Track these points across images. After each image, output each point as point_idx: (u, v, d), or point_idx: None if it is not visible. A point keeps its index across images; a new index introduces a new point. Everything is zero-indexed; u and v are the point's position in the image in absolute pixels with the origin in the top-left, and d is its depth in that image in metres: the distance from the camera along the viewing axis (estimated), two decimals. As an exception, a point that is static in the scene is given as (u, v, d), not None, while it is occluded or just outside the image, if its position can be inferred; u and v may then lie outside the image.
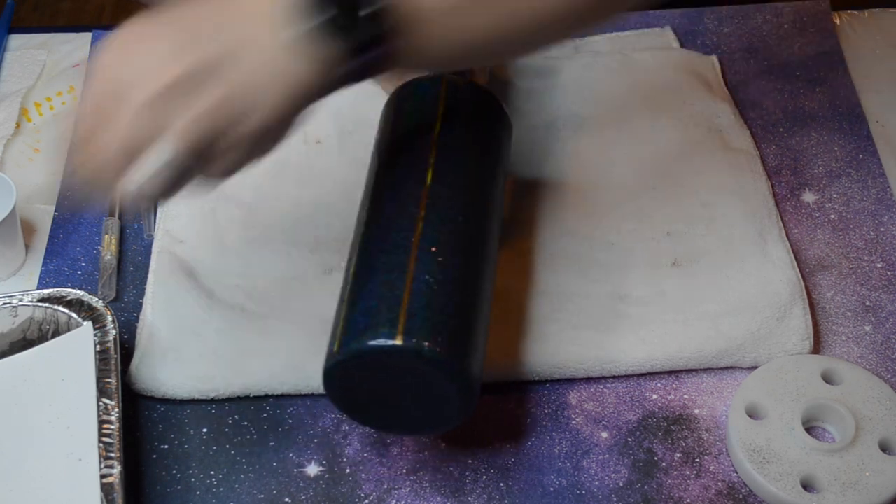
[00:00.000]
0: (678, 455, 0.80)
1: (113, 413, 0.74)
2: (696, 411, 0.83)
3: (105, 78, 0.61)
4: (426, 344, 0.68)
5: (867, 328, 0.88)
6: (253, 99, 0.61)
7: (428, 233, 0.73)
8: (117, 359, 0.77)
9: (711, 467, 0.80)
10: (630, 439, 0.81)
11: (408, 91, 0.85)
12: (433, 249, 0.72)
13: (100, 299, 0.80)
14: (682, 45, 1.09)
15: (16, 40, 1.09)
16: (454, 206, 0.76)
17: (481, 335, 0.73)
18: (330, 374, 0.70)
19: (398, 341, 0.68)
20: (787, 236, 0.92)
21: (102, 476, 0.71)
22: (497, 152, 0.84)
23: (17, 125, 1.01)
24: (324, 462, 0.80)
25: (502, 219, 0.84)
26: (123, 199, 0.63)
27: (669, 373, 0.85)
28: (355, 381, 0.71)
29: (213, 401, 0.82)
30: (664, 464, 0.80)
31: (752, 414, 0.81)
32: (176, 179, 0.62)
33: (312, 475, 0.79)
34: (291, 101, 0.62)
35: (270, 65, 0.61)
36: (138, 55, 0.61)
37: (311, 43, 0.61)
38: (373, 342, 0.68)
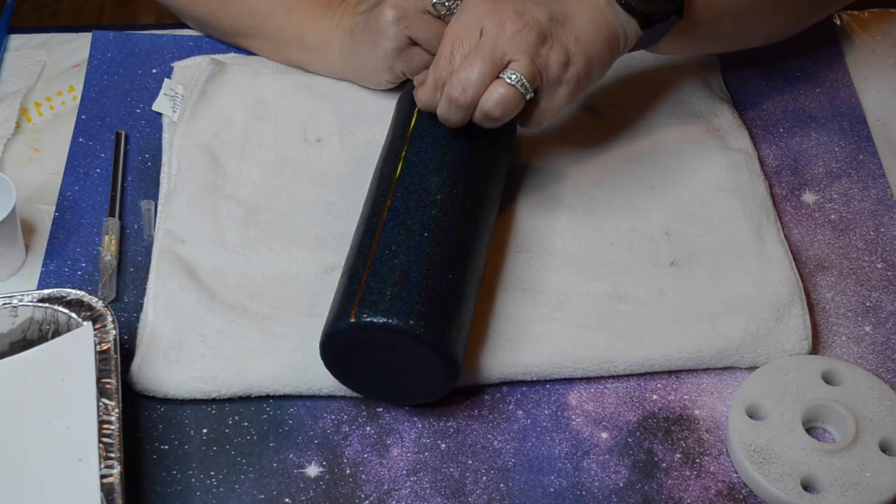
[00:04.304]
0: (678, 455, 0.80)
1: (113, 413, 0.74)
2: (696, 412, 0.83)
3: (474, 18, 0.82)
4: (362, 319, 0.75)
5: (867, 328, 0.88)
6: (583, 47, 0.82)
7: (390, 220, 0.80)
8: (117, 359, 0.77)
9: (711, 468, 0.80)
10: (630, 440, 0.81)
11: (403, 93, 0.91)
12: (396, 236, 0.79)
13: (100, 300, 0.80)
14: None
15: (16, 40, 1.09)
16: (421, 195, 0.81)
17: (436, 302, 0.76)
18: (322, 347, 0.78)
19: (351, 320, 0.75)
20: (787, 237, 0.93)
21: (102, 476, 0.71)
22: (477, 135, 0.85)
23: (17, 125, 1.01)
24: (324, 463, 0.80)
25: (495, 197, 0.86)
26: (478, 119, 0.82)
27: (669, 373, 0.85)
28: (344, 352, 0.77)
29: (213, 401, 0.82)
30: (664, 464, 0.80)
31: (753, 414, 0.81)
32: (516, 103, 0.81)
33: (312, 476, 0.79)
34: (609, 52, 0.84)
35: (595, 23, 0.83)
36: (496, 6, 0.82)
37: (621, 12, 0.83)
38: (331, 328, 0.77)
